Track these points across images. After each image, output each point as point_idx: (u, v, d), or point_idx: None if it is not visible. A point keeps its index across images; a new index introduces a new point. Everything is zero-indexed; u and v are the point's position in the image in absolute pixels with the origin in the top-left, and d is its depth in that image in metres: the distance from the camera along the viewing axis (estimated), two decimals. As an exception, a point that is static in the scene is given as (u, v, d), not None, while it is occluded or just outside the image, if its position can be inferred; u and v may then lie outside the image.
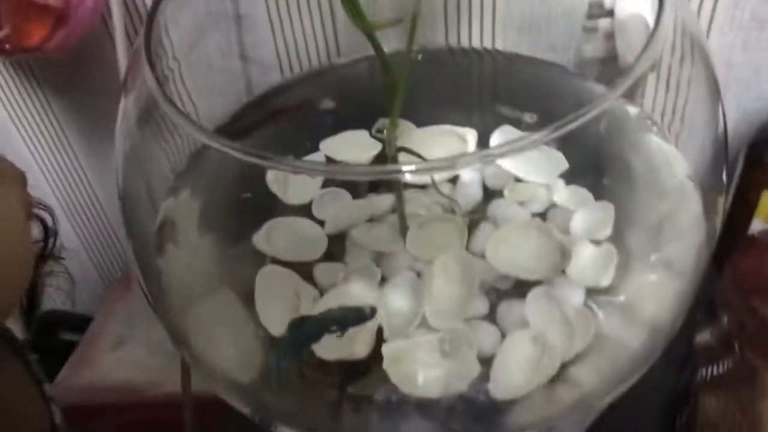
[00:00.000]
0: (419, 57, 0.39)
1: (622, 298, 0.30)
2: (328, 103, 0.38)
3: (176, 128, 0.25)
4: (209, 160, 0.33)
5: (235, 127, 0.38)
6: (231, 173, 0.35)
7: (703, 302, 0.31)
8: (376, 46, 0.29)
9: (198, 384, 0.42)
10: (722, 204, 0.29)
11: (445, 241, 0.32)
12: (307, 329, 0.28)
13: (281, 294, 0.31)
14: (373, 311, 0.29)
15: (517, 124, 0.36)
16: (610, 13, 0.35)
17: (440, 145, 0.36)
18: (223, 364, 0.31)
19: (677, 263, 0.29)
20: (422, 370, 0.28)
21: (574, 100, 0.38)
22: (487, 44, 0.40)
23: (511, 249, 0.32)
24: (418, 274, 0.31)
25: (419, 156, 0.31)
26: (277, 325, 0.30)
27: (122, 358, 0.55)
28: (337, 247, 0.33)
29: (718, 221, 0.29)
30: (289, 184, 0.35)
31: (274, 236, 0.33)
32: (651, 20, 0.34)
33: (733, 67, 0.40)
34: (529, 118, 0.37)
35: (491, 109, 0.39)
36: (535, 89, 0.38)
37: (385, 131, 0.36)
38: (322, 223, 0.33)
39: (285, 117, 0.38)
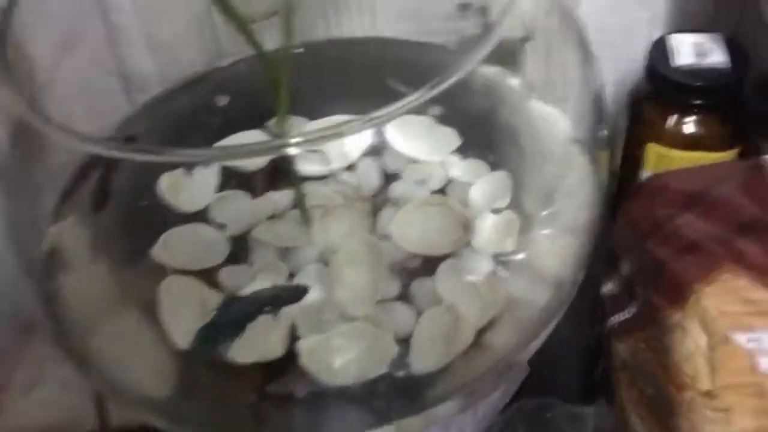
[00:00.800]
0: (301, 50, 0.38)
1: (526, 259, 0.30)
2: (216, 105, 0.37)
3: (54, 147, 0.24)
4: (94, 176, 0.32)
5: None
6: (119, 187, 0.33)
7: (605, 255, 0.32)
8: (252, 41, 0.28)
9: (116, 416, 0.40)
10: (606, 159, 0.30)
11: (349, 227, 0.32)
12: (240, 309, 0.27)
13: (186, 304, 0.30)
14: (305, 289, 0.28)
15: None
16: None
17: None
18: (137, 385, 0.30)
19: (572, 219, 0.30)
20: (340, 359, 0.28)
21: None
22: (370, 34, 0.40)
23: (415, 227, 0.32)
24: (327, 265, 0.31)
25: (313, 149, 0.31)
26: (184, 336, 0.29)
27: (35, 403, 0.52)
28: (240, 250, 0.32)
29: (604, 175, 0.30)
30: (183, 191, 0.34)
31: (173, 246, 0.32)
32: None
33: (606, 31, 0.42)
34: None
35: (381, 96, 0.38)
36: (421, 71, 0.38)
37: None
38: (222, 228, 0.33)
39: (170, 125, 0.37)
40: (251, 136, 0.36)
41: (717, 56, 0.36)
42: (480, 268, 0.31)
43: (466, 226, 0.31)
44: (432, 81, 0.21)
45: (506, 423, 0.30)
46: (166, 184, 0.34)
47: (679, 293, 0.25)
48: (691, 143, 0.36)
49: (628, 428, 0.27)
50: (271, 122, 0.35)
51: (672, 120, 0.36)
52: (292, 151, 0.22)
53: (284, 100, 0.29)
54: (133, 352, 0.29)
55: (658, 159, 0.37)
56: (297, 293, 0.29)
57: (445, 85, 0.21)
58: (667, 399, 0.24)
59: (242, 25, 0.27)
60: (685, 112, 0.36)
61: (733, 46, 0.37)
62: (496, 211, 0.32)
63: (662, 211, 0.28)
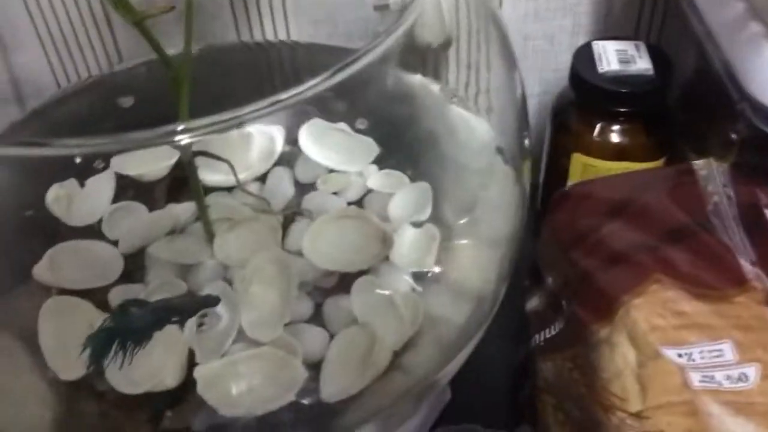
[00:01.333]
0: (209, 54, 0.36)
1: (446, 275, 0.28)
2: (120, 107, 0.34)
3: None
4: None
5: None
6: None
7: (529, 270, 0.31)
8: (149, 37, 0.25)
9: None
10: (528, 169, 0.29)
11: (257, 242, 0.29)
12: (144, 316, 0.23)
13: (71, 329, 0.27)
14: (216, 299, 0.26)
15: (326, 115, 0.34)
16: (401, -11, 0.34)
17: (246, 145, 0.33)
18: (11, 426, 0.26)
19: (494, 231, 0.28)
20: (243, 388, 0.25)
21: (378, 84, 0.36)
22: (283, 38, 0.38)
23: (329, 242, 0.30)
24: (231, 284, 0.28)
25: (218, 158, 0.28)
26: (68, 367, 0.26)
27: None
28: (136, 268, 0.29)
29: (527, 185, 0.28)
30: (74, 202, 0.31)
31: (59, 264, 0.28)
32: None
33: (529, 38, 0.41)
34: (339, 105, 0.35)
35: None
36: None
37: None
38: (116, 243, 0.30)
39: (65, 130, 0.34)
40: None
41: (642, 63, 0.35)
42: (398, 285, 0.29)
43: (384, 241, 0.29)
44: (334, 67, 0.19)
45: (426, 452, 0.28)
46: (53, 195, 0.31)
47: (606, 306, 0.23)
48: (617, 153, 0.35)
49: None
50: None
51: (597, 129, 0.35)
52: (185, 140, 0.20)
53: (185, 101, 0.26)
54: (5, 387, 0.26)
55: (585, 170, 0.36)
56: (207, 302, 0.26)
57: (346, 73, 0.19)
58: (593, 422, 0.22)
59: (139, 23, 0.25)
60: (610, 120, 0.35)
61: (656, 53, 0.36)
62: (416, 225, 0.30)
63: (586, 220, 0.26)
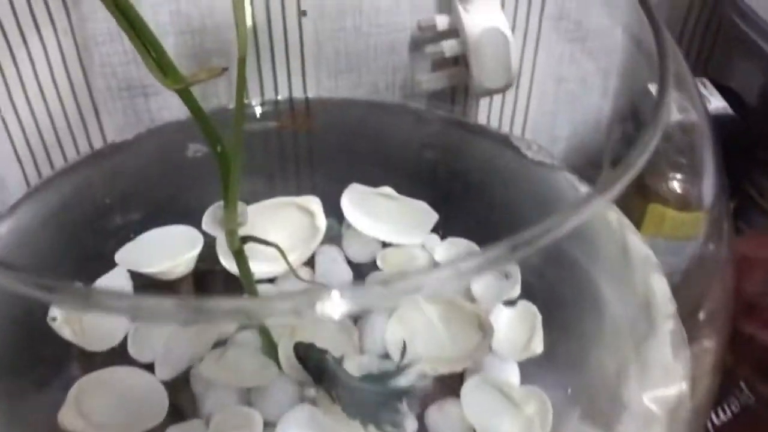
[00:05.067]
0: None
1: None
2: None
3: None
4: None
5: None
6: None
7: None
8: (195, 109, 0.20)
9: None
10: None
11: (332, 346, 0.25)
12: None
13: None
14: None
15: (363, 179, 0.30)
16: (453, 34, 0.30)
17: (283, 221, 0.28)
18: None
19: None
20: None
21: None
22: (297, 94, 0.33)
23: (420, 336, 0.25)
24: (314, 403, 0.23)
25: (266, 242, 0.23)
26: None
27: None
28: (182, 399, 0.23)
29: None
30: (86, 324, 0.25)
31: (88, 405, 0.23)
32: (508, 33, 0.30)
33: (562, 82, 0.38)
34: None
35: (324, 169, 0.32)
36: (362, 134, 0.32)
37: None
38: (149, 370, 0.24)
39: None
40: (163, 238, 0.28)
41: (715, 102, 0.32)
42: (510, 377, 0.25)
43: (483, 326, 0.25)
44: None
45: None
46: (60, 318, 0.25)
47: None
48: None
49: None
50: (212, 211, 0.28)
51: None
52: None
53: (234, 181, 0.21)
54: None
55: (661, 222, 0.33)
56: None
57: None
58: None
59: (183, 91, 0.20)
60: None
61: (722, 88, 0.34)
62: (508, 303, 0.27)
63: (752, 286, 0.23)
